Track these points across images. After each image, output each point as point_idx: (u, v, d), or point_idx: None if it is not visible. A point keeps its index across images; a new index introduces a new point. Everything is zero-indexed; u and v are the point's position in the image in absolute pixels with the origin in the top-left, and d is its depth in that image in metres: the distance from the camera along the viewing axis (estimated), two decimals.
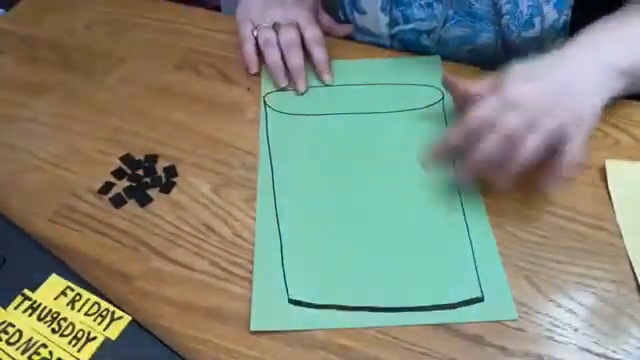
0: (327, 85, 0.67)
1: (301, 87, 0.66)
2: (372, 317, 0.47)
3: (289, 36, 0.67)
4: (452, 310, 0.47)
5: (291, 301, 0.48)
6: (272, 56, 0.67)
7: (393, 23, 0.71)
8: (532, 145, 0.48)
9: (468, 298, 0.48)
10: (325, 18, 0.73)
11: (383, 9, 0.70)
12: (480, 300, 0.48)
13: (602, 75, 0.53)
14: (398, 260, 0.51)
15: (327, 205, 0.55)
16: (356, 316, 0.47)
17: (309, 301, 0.48)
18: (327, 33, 0.71)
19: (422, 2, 0.68)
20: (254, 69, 0.68)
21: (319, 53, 0.67)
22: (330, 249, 0.52)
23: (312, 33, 0.68)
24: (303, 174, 0.58)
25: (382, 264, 0.50)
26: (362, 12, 0.72)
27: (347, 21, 0.75)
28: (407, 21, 0.70)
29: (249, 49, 0.69)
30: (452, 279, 0.49)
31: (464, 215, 0.54)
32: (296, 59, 0.66)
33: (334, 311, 0.48)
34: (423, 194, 0.56)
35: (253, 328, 0.47)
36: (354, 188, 0.56)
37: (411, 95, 0.65)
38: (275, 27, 0.68)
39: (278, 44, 0.67)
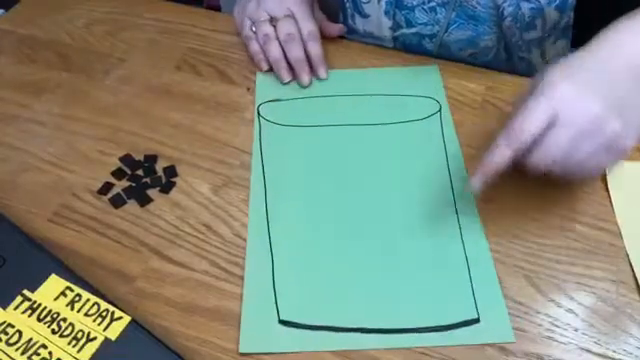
0: (322, 96, 0.66)
1: (305, 80, 0.67)
2: (365, 339, 0.46)
3: (287, 30, 0.67)
4: (447, 332, 0.46)
5: (281, 322, 0.47)
6: (273, 52, 0.67)
7: (396, 27, 0.71)
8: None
9: (463, 320, 0.47)
10: (320, 17, 0.72)
11: (386, 13, 0.69)
12: (476, 321, 0.47)
13: (634, 79, 0.48)
14: (392, 280, 0.49)
15: (321, 222, 0.54)
16: (348, 338, 0.46)
17: (300, 322, 0.47)
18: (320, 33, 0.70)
19: (425, 7, 0.67)
20: (265, 66, 0.68)
21: (315, 48, 0.67)
22: (322, 269, 0.50)
23: (308, 28, 0.67)
24: (296, 188, 0.56)
25: (376, 284, 0.49)
26: (365, 16, 0.72)
27: (347, 24, 0.75)
28: (410, 25, 0.70)
29: (254, 48, 0.69)
30: (447, 300, 0.48)
31: (461, 234, 0.52)
32: (297, 52, 0.67)
33: (326, 332, 0.46)
34: (419, 209, 0.54)
35: (242, 350, 0.45)
36: (349, 203, 0.55)
37: (408, 106, 0.64)
38: (272, 21, 0.67)
39: (277, 38, 0.67)
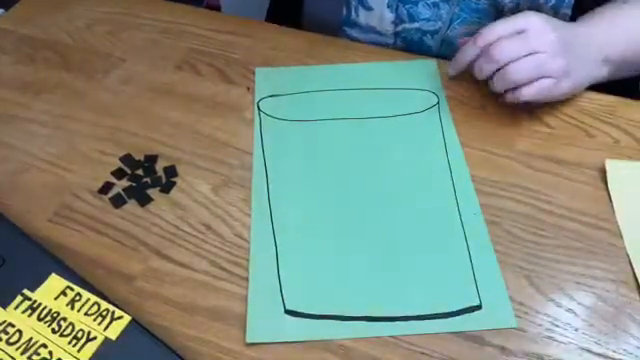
0: (322, 90, 0.66)
1: None
2: (370, 327, 0.47)
3: None
4: (450, 318, 0.47)
5: (287, 311, 0.48)
6: None
7: (398, 21, 0.71)
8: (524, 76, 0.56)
9: (466, 306, 0.47)
10: None
11: (389, 6, 0.70)
12: (478, 308, 0.47)
13: (590, 57, 0.59)
14: (395, 269, 0.50)
15: (323, 213, 0.54)
16: (354, 326, 0.47)
17: (306, 311, 0.48)
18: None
19: (428, 1, 0.67)
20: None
21: None
22: (327, 258, 0.51)
23: None
24: (298, 182, 0.57)
25: (379, 273, 0.50)
26: (368, 8, 0.72)
27: (350, 18, 0.74)
28: (412, 20, 0.70)
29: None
30: (450, 288, 0.49)
31: (462, 223, 0.53)
32: None
33: (331, 321, 0.47)
34: (420, 198, 0.55)
35: (249, 340, 0.46)
36: (350, 195, 0.56)
37: (406, 100, 0.64)
38: None
39: None
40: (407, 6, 0.69)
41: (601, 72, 0.60)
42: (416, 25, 0.70)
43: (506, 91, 0.58)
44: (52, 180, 0.58)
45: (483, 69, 0.58)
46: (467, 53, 0.60)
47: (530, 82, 0.56)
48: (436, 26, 0.69)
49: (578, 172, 0.57)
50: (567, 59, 0.56)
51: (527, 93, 0.57)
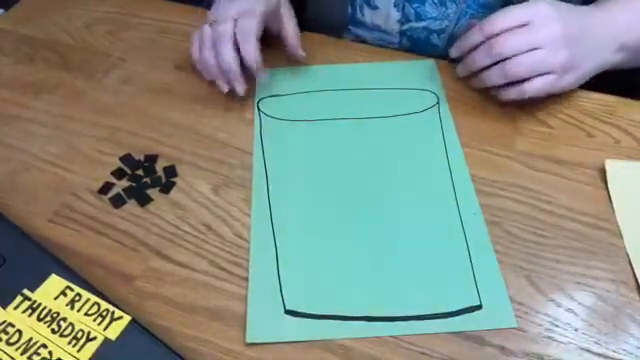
0: (322, 90, 0.66)
1: (238, 89, 0.62)
2: (370, 327, 0.47)
3: (216, 31, 0.60)
4: (450, 318, 0.47)
5: (287, 312, 0.48)
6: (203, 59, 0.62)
7: (405, 20, 0.70)
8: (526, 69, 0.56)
9: (466, 306, 0.48)
10: (291, 26, 0.67)
11: (396, 5, 0.69)
12: (479, 308, 0.48)
13: (605, 44, 0.58)
14: (395, 269, 0.50)
15: (323, 213, 0.54)
16: (354, 326, 0.47)
17: (306, 311, 0.48)
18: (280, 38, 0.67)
19: (436, 0, 0.67)
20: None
21: (245, 51, 0.60)
22: (327, 258, 0.51)
23: (241, 26, 0.60)
24: (298, 182, 0.57)
25: (379, 273, 0.50)
26: (374, 7, 0.71)
27: (356, 17, 0.74)
28: (419, 19, 0.69)
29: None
30: (450, 288, 0.49)
31: (462, 223, 0.53)
32: (224, 56, 0.60)
33: (331, 321, 0.47)
34: (420, 198, 0.55)
35: (249, 340, 0.46)
36: (350, 195, 0.56)
37: (406, 100, 0.64)
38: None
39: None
40: (414, 5, 0.69)
41: (614, 59, 0.60)
42: (423, 24, 0.70)
43: (501, 86, 0.58)
44: (52, 180, 0.58)
45: (479, 60, 0.58)
46: (471, 39, 0.59)
47: (530, 78, 0.56)
48: (443, 25, 0.69)
49: (578, 172, 0.57)
50: (571, 51, 0.56)
51: (529, 89, 0.57)
